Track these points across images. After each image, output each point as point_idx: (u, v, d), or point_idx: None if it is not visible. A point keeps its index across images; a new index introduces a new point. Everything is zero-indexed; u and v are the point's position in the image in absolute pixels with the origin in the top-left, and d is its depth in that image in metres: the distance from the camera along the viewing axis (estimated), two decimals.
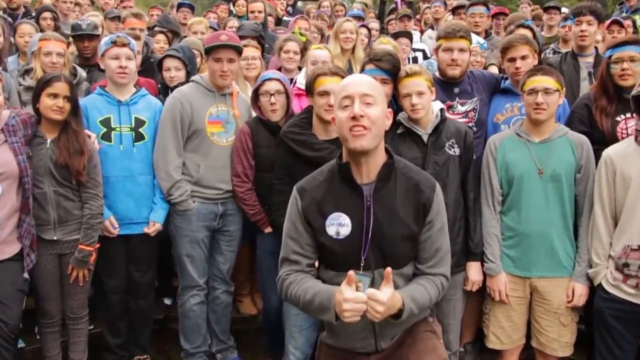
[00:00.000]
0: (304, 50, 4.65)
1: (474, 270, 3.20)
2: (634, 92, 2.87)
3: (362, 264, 2.06)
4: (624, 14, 6.76)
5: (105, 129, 3.41)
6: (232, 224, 3.61)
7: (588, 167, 3.10)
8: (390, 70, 3.21)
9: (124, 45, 3.44)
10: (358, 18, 6.68)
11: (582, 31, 4.28)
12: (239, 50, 3.53)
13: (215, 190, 3.53)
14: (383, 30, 7.23)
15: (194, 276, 3.52)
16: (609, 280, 2.95)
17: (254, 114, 3.63)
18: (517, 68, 3.54)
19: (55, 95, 3.11)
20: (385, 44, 4.32)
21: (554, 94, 3.08)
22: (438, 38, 3.67)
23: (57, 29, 5.69)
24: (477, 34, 5.66)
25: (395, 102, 3.32)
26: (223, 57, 3.44)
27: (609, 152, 3.00)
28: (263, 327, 3.83)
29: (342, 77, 2.89)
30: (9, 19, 6.15)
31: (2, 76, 3.13)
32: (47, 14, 5.91)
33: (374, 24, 6.89)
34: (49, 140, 3.17)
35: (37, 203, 3.10)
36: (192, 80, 3.64)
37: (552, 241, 3.11)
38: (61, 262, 3.21)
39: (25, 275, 3.07)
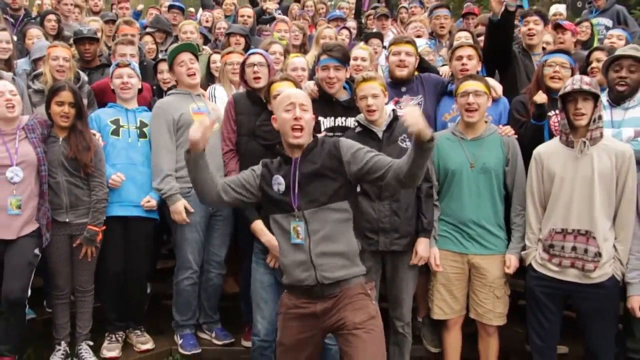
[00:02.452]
0: (286, 51, 5.14)
1: (422, 246, 3.62)
2: (560, 92, 3.39)
3: (295, 208, 2.78)
4: (590, 15, 7.30)
5: (114, 126, 3.98)
6: (226, 226, 4.13)
7: (515, 160, 3.64)
8: (341, 58, 3.80)
9: (125, 66, 4.05)
10: (339, 19, 7.20)
11: (529, 29, 4.80)
12: (194, 52, 4.13)
13: None
14: (362, 29, 7.69)
15: (190, 259, 4.00)
16: (537, 261, 3.49)
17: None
18: (463, 64, 4.11)
19: (61, 103, 3.69)
20: (363, 50, 4.77)
21: (483, 96, 3.63)
22: (388, 46, 4.31)
23: (60, 30, 6.19)
24: (442, 35, 6.25)
25: (349, 86, 3.91)
26: (185, 58, 4.02)
27: (538, 149, 3.55)
28: (242, 297, 4.22)
29: (292, 82, 3.53)
30: (11, 20, 6.62)
31: (16, 83, 3.66)
32: (51, 17, 6.37)
33: (352, 23, 7.38)
34: (60, 139, 3.74)
35: (52, 190, 3.67)
36: (168, 93, 4.22)
37: (484, 224, 3.65)
38: (71, 242, 3.76)
39: (37, 251, 3.62)
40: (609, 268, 3.33)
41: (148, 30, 6.21)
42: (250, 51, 4.13)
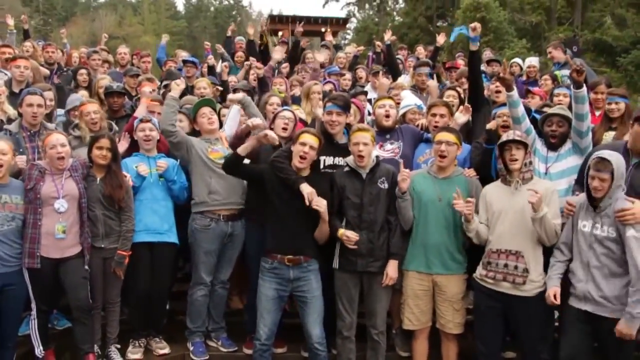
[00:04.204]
0: (284, 102, 6.05)
1: (392, 268, 4.34)
2: (499, 142, 4.21)
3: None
4: (554, 67, 8.13)
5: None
6: (237, 242, 4.97)
7: (475, 196, 4.36)
8: (343, 106, 4.67)
9: (147, 121, 4.94)
10: (338, 74, 8.11)
11: (497, 87, 5.78)
12: (213, 106, 5.15)
13: (226, 208, 4.85)
14: (355, 81, 8.58)
15: (203, 276, 4.85)
16: (477, 276, 4.27)
17: None
18: (436, 122, 4.95)
19: (101, 147, 4.55)
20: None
21: (453, 146, 4.41)
22: (375, 101, 5.30)
23: (90, 81, 7.16)
24: (423, 89, 7.10)
25: (347, 130, 4.73)
26: (206, 111, 5.01)
27: (486, 188, 4.36)
28: (247, 310, 5.05)
29: (317, 136, 4.33)
30: (47, 72, 7.58)
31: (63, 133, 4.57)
32: (83, 71, 7.39)
33: (348, 75, 8.31)
34: (98, 179, 4.60)
35: (91, 221, 4.53)
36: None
37: (446, 249, 4.40)
38: (104, 264, 4.61)
39: (86, 267, 4.45)
40: (538, 283, 4.06)
41: (164, 83, 7.10)
42: (285, 107, 5.22)
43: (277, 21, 19.10)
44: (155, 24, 47.18)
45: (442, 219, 4.40)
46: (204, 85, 6.72)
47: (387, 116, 5.14)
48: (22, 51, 7.58)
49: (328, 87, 7.02)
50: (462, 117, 5.07)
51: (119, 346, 4.79)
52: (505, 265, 4.10)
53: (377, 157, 4.55)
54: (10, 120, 5.45)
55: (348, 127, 4.80)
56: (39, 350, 4.35)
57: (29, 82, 6.24)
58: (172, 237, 4.85)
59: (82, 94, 6.42)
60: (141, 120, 4.95)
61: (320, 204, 4.12)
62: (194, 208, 4.90)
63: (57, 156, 4.33)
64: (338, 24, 20.65)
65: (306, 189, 4.14)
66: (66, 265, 4.34)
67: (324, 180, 4.39)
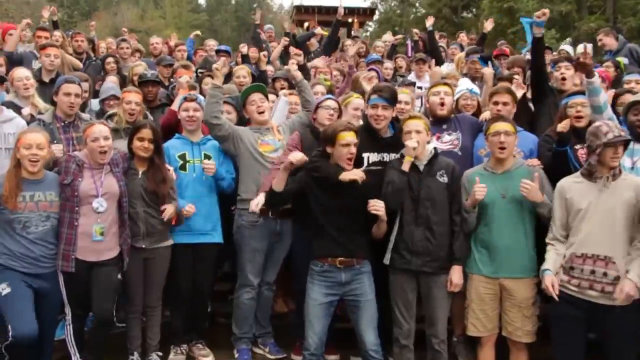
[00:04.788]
0: (328, 91, 5.68)
1: (456, 275, 4.01)
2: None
3: None
4: (606, 56, 7.64)
5: (181, 162, 4.52)
6: (285, 241, 4.61)
7: (542, 188, 3.95)
8: (389, 99, 4.26)
9: (192, 100, 4.57)
10: (377, 62, 7.71)
11: (562, 74, 5.27)
12: (264, 92, 4.75)
13: None
14: (396, 70, 8.21)
15: (250, 277, 4.51)
16: (561, 282, 3.78)
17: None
18: (498, 110, 4.54)
19: (142, 139, 4.21)
20: (405, 94, 5.26)
21: (512, 136, 4.03)
22: (428, 89, 4.88)
23: (119, 70, 6.86)
24: (476, 77, 6.66)
25: (393, 126, 4.36)
26: (255, 98, 4.63)
27: (561, 182, 3.91)
28: (295, 322, 4.71)
29: (356, 131, 3.95)
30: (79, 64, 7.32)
31: (109, 125, 4.22)
32: (110, 59, 7.11)
33: (388, 64, 7.92)
34: (140, 172, 4.25)
35: (131, 219, 4.18)
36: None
37: (515, 250, 4.00)
38: (145, 265, 4.27)
39: (119, 276, 4.12)
40: None
41: (201, 72, 6.78)
42: (329, 96, 4.78)
43: (303, 12, 18.73)
44: (177, 17, 47.03)
45: (508, 217, 4.03)
46: (243, 74, 6.37)
47: (442, 104, 4.75)
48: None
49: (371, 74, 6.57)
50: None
51: (160, 353, 4.47)
52: (592, 272, 3.67)
53: (435, 148, 4.20)
54: (41, 114, 5.16)
55: (396, 120, 4.45)
56: (75, 358, 4.04)
57: (59, 71, 5.96)
58: (217, 237, 4.54)
59: (111, 79, 6.10)
60: (185, 99, 4.58)
61: (379, 207, 3.82)
62: (240, 204, 4.58)
63: (99, 150, 4.00)
64: (365, 14, 20.35)
65: (348, 175, 3.83)
66: (99, 270, 4.01)
67: (371, 178, 4.00)
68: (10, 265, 3.79)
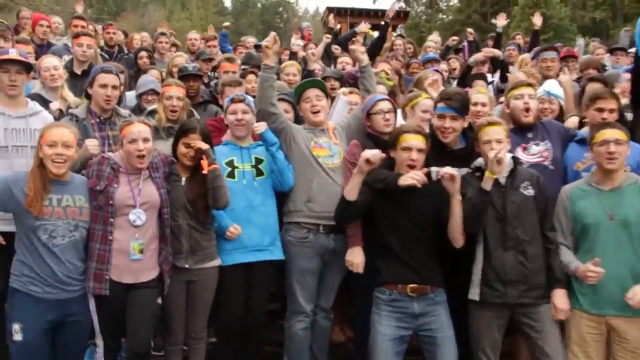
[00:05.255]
0: (391, 92, 5.00)
1: (561, 299, 3.41)
2: None
3: None
4: None
5: (229, 169, 3.85)
6: (341, 260, 3.88)
7: None
8: (459, 108, 3.66)
9: (240, 101, 3.92)
10: (433, 61, 7.05)
11: None
12: (322, 87, 4.13)
13: (324, 218, 3.82)
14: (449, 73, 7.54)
15: (302, 303, 3.85)
16: None
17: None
18: (603, 118, 3.85)
19: (189, 145, 3.59)
20: (482, 95, 4.63)
21: (624, 145, 3.40)
22: (508, 90, 4.19)
23: (152, 64, 6.28)
24: (549, 77, 5.96)
25: (465, 138, 3.74)
26: (311, 94, 4.02)
27: None
28: (354, 353, 4.12)
29: (424, 135, 3.42)
30: (106, 56, 6.78)
31: (150, 124, 3.58)
32: (143, 53, 6.57)
33: (444, 66, 7.26)
34: (183, 179, 3.62)
35: (173, 234, 3.54)
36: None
37: (626, 282, 3.32)
38: (189, 288, 3.62)
39: (159, 301, 3.50)
40: None
41: (244, 67, 6.17)
42: (376, 97, 4.04)
43: (336, 13, 18.21)
44: (203, 19, 47.00)
45: (617, 243, 3.38)
46: (293, 72, 5.79)
47: (527, 109, 4.04)
48: None
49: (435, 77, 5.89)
50: None
51: None
52: None
53: (513, 157, 3.60)
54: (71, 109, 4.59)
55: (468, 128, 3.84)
56: None
57: (92, 63, 5.39)
58: (276, 253, 3.87)
59: (153, 74, 5.51)
60: (232, 100, 3.96)
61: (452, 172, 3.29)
62: (287, 217, 3.95)
63: (136, 153, 3.38)
64: (398, 17, 19.78)
65: (406, 179, 3.32)
66: (136, 294, 3.39)
67: (443, 190, 3.40)
68: (29, 291, 3.18)
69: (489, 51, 6.60)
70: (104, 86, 3.91)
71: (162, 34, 7.33)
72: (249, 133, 4.00)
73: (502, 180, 3.49)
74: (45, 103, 4.36)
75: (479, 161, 3.58)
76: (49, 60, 4.69)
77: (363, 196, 3.47)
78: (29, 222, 3.16)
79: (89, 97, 4.03)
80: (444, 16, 39.48)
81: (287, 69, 5.85)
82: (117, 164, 3.44)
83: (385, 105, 3.96)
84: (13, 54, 3.76)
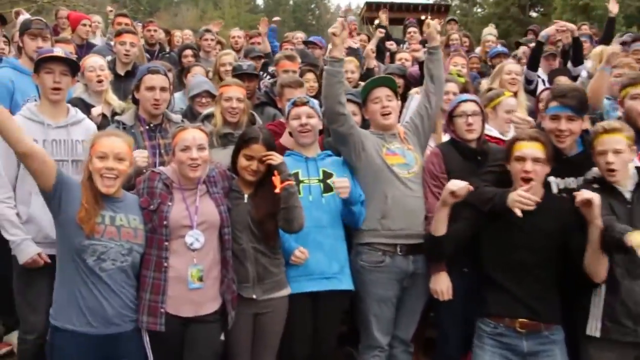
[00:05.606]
0: (463, 90, 4.47)
1: None
2: None
3: None
4: None
5: None
6: (422, 285, 3.42)
7: None
8: (577, 107, 3.09)
9: (303, 104, 3.43)
10: (502, 55, 6.46)
11: None
12: (393, 87, 3.60)
13: (402, 236, 3.36)
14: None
15: (378, 337, 3.37)
16: None
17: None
18: None
19: (250, 157, 3.10)
20: (508, 97, 4.09)
21: None
22: (622, 88, 3.61)
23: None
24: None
25: (582, 142, 3.22)
26: (381, 94, 3.51)
27: None
28: None
29: (542, 142, 2.92)
30: (147, 56, 6.37)
31: (206, 131, 3.11)
32: (188, 52, 6.13)
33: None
34: (245, 196, 3.14)
35: (237, 259, 3.06)
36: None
37: None
38: (255, 322, 3.13)
39: (222, 337, 3.04)
40: None
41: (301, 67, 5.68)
42: (460, 98, 3.54)
43: (374, 9, 17.68)
44: (235, 18, 46.97)
45: None
46: (351, 68, 5.25)
47: None
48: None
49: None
50: None
51: None
52: None
53: (637, 168, 3.04)
54: (116, 114, 4.15)
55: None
56: None
57: (136, 63, 4.98)
58: (345, 282, 3.35)
59: (198, 71, 5.04)
60: (294, 103, 3.47)
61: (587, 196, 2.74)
62: (357, 237, 3.46)
63: (189, 162, 2.92)
64: (439, 11, 19.26)
65: (514, 203, 2.85)
66: (196, 329, 2.92)
67: (559, 205, 2.99)
68: (70, 328, 2.72)
69: (562, 25, 5.91)
70: (152, 89, 3.47)
71: (208, 30, 6.84)
72: (315, 140, 3.51)
73: (628, 195, 2.95)
74: (87, 108, 3.98)
75: (595, 171, 3.05)
76: (94, 60, 4.27)
77: (465, 223, 3.01)
78: (76, 240, 2.70)
79: (136, 101, 3.59)
80: (480, 10, 38.38)
81: (345, 66, 5.33)
82: (169, 178, 2.98)
83: (470, 107, 3.45)
84: (58, 51, 3.34)
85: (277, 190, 3.02)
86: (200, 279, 2.90)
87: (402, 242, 3.35)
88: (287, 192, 3.03)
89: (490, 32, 8.63)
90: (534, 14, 33.26)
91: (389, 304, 3.39)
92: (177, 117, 3.71)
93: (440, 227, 3.05)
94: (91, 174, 2.78)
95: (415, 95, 4.20)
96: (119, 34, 4.95)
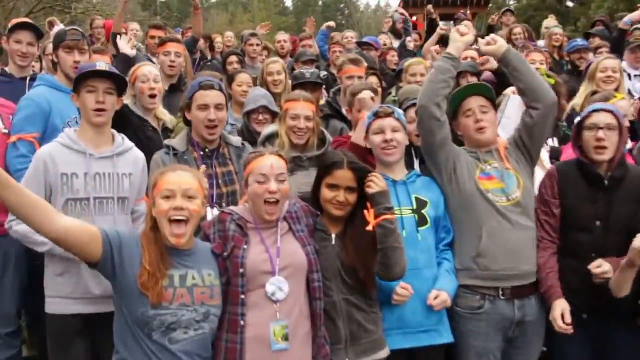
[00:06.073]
0: (555, 92, 3.87)
1: None
2: None
3: None
4: None
5: None
6: (534, 336, 2.84)
7: None
8: None
9: (387, 115, 2.87)
10: (582, 50, 5.79)
11: None
12: (489, 95, 3.04)
13: (504, 278, 2.78)
14: None
15: None
16: None
17: None
18: None
19: (336, 187, 2.55)
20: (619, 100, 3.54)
21: None
22: None
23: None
24: None
25: None
26: (474, 105, 2.93)
27: None
28: None
29: None
30: None
31: (285, 158, 2.56)
32: (233, 58, 5.67)
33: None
34: (333, 236, 2.58)
35: (325, 314, 2.49)
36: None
37: None
38: None
39: None
40: None
41: None
42: (595, 106, 2.90)
43: (411, 5, 17.02)
44: (265, 20, 46.98)
45: None
46: (420, 71, 4.65)
47: None
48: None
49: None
50: None
51: None
52: None
53: None
54: (167, 130, 3.64)
55: None
56: None
57: (183, 74, 4.48)
58: (445, 334, 2.78)
59: (243, 79, 4.47)
60: (376, 115, 2.90)
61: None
62: None
63: (266, 196, 2.39)
64: (479, 5, 18.44)
65: None
66: None
67: None
68: None
69: None
70: (205, 107, 2.94)
71: (254, 34, 6.30)
72: (401, 159, 2.93)
73: None
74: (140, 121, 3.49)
75: None
76: (149, 70, 3.70)
77: None
78: (139, 310, 2.17)
79: (187, 122, 3.07)
80: (514, 2, 37.34)
81: (414, 68, 4.76)
82: (242, 219, 2.45)
83: (603, 118, 2.82)
84: (101, 66, 2.77)
85: (369, 228, 2.46)
86: (286, 338, 2.34)
87: (505, 284, 2.78)
88: (385, 230, 2.46)
89: (554, 24, 7.93)
90: (570, 4, 32.20)
91: (491, 357, 2.81)
92: (236, 140, 3.15)
93: (624, 288, 2.56)
94: (155, 224, 2.26)
95: (512, 96, 3.59)
96: (162, 43, 4.43)
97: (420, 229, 2.79)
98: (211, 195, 2.85)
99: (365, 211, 2.49)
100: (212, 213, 2.79)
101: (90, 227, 2.21)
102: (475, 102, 2.95)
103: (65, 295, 2.67)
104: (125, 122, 3.28)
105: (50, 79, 3.51)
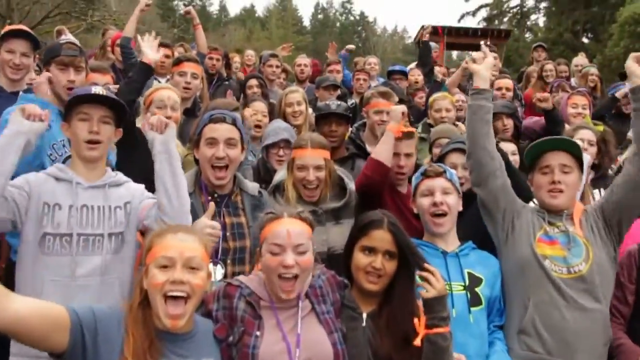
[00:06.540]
0: (602, 142, 3.59)
1: None
2: None
3: None
4: None
5: None
6: None
7: None
8: None
9: (437, 175, 2.48)
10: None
11: None
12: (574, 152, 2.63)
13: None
14: None
15: None
16: None
17: None
18: None
19: (373, 250, 2.08)
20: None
21: None
22: None
23: (264, 96, 4.87)
24: None
25: None
26: (554, 163, 2.53)
27: None
28: None
29: None
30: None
31: (312, 221, 2.09)
32: (253, 82, 5.23)
33: None
34: (364, 315, 2.09)
35: None
36: None
37: None
38: None
39: None
40: None
41: None
42: None
43: (432, 33, 16.77)
44: (282, 38, 47.02)
45: None
46: (445, 106, 4.42)
47: None
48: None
49: None
50: None
51: None
52: None
53: None
54: None
55: None
56: None
57: (197, 98, 4.04)
58: None
59: (258, 107, 3.98)
60: (426, 175, 2.54)
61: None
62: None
63: (281, 271, 1.92)
64: (500, 36, 18.35)
65: None
66: None
67: None
68: None
69: None
70: (213, 143, 2.49)
71: (274, 55, 5.85)
72: (453, 227, 2.50)
73: None
74: None
75: None
76: (168, 95, 3.28)
77: None
78: None
79: (197, 161, 2.60)
80: (531, 35, 37.04)
81: (438, 103, 4.34)
82: (254, 294, 1.98)
83: None
84: (97, 90, 2.31)
85: (416, 342, 1.98)
86: None
87: None
88: (435, 347, 1.99)
89: (584, 63, 7.48)
90: (586, 40, 32.01)
91: None
92: (253, 187, 2.66)
93: None
94: (145, 298, 1.79)
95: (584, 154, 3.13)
96: (178, 62, 3.99)
97: (472, 309, 2.36)
98: (215, 250, 2.36)
99: (416, 319, 2.01)
100: (214, 271, 2.34)
101: (55, 308, 1.70)
102: (556, 159, 2.53)
103: (33, 355, 2.19)
104: (135, 142, 2.84)
105: (32, 98, 2.99)
